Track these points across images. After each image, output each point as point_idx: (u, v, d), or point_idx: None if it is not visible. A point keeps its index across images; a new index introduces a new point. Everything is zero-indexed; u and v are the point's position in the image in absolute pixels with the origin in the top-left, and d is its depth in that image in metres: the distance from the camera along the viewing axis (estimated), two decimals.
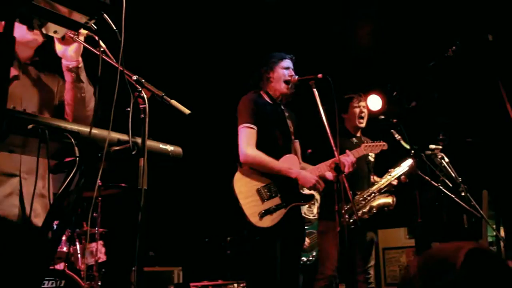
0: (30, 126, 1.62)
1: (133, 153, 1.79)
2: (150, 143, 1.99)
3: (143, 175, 1.79)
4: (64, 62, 2.33)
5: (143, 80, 1.92)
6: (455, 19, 5.76)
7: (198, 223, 7.30)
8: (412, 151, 4.32)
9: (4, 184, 2.19)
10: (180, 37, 6.20)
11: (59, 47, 2.28)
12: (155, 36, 5.89)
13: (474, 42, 5.59)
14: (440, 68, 5.90)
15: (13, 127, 1.59)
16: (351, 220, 4.06)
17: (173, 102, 1.90)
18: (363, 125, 4.56)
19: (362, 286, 4.25)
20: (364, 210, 4.24)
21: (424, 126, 6.26)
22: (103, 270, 4.93)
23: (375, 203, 4.30)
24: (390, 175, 4.41)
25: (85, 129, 1.80)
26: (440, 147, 4.65)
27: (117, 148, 1.82)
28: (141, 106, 1.88)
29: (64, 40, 2.24)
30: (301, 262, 5.37)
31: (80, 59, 2.34)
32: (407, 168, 4.43)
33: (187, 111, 1.89)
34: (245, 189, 3.41)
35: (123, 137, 1.90)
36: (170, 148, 2.06)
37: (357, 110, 4.55)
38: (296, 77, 3.64)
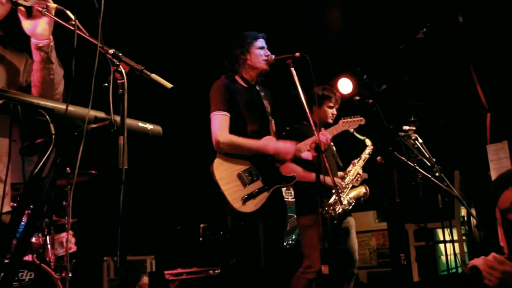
0: (0, 102, 1.49)
1: (112, 130, 1.67)
2: (128, 121, 1.87)
3: (123, 154, 1.69)
4: (33, 41, 2.15)
5: (120, 54, 1.80)
6: (425, 1, 5.77)
7: (170, 211, 7.19)
8: (366, 140, 4.46)
9: None
10: (158, 10, 5.98)
11: (26, 24, 2.10)
12: (132, 7, 5.66)
13: (444, 23, 5.62)
14: (411, 51, 5.92)
15: None
16: (333, 215, 4.08)
17: (154, 76, 1.79)
18: (332, 121, 4.54)
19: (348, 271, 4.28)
20: (344, 203, 4.24)
21: (395, 108, 6.29)
22: (74, 260, 4.77)
23: (352, 195, 4.33)
24: (356, 165, 4.44)
25: (60, 106, 1.67)
26: (414, 128, 4.66)
27: (95, 125, 1.70)
28: (119, 81, 1.76)
29: (31, 16, 2.08)
30: None
31: (51, 37, 2.18)
32: (368, 156, 4.51)
33: (169, 85, 1.78)
34: (225, 174, 3.33)
35: (100, 114, 1.79)
36: (149, 126, 1.95)
37: (330, 110, 4.49)
38: (273, 56, 3.54)
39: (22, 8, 2.06)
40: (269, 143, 3.46)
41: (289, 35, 6.31)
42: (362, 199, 4.36)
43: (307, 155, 3.62)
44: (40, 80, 2.21)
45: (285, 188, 5.28)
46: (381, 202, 6.19)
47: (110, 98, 1.68)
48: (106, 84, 1.75)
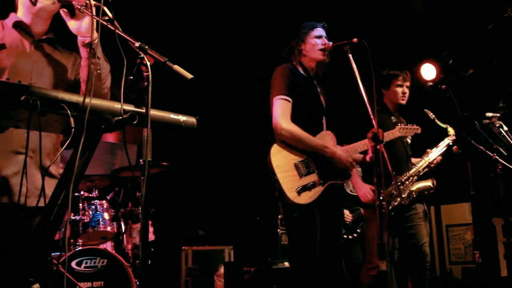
0: (23, 98, 1.55)
1: (134, 122, 1.69)
2: (159, 113, 1.91)
3: (147, 145, 1.70)
4: (79, 38, 2.28)
5: (146, 47, 1.82)
6: None
7: (250, 202, 7.25)
8: (448, 129, 4.18)
9: (10, 162, 2.15)
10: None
11: (71, 24, 2.23)
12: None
13: None
14: (499, 31, 5.50)
15: (4, 99, 1.53)
16: (390, 207, 3.90)
17: (176, 67, 1.79)
18: (404, 102, 4.28)
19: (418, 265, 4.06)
20: (403, 196, 3.99)
21: (482, 94, 5.88)
22: (152, 249, 4.96)
23: (414, 188, 4.06)
24: (428, 156, 4.16)
25: (86, 100, 1.72)
26: (498, 115, 4.32)
27: (118, 118, 1.73)
28: (144, 74, 1.78)
29: (74, 16, 2.20)
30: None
31: (96, 33, 2.28)
32: (445, 148, 4.19)
33: (189, 76, 1.77)
34: (282, 162, 3.25)
35: (129, 107, 1.82)
36: (182, 118, 1.96)
37: (399, 89, 4.23)
38: (330, 43, 3.42)
39: (65, 10, 2.18)
40: (329, 145, 3.36)
41: (369, 17, 6.08)
42: (426, 192, 4.07)
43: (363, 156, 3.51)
44: (88, 75, 2.30)
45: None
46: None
47: (122, 89, 1.70)
48: (132, 77, 1.78)
